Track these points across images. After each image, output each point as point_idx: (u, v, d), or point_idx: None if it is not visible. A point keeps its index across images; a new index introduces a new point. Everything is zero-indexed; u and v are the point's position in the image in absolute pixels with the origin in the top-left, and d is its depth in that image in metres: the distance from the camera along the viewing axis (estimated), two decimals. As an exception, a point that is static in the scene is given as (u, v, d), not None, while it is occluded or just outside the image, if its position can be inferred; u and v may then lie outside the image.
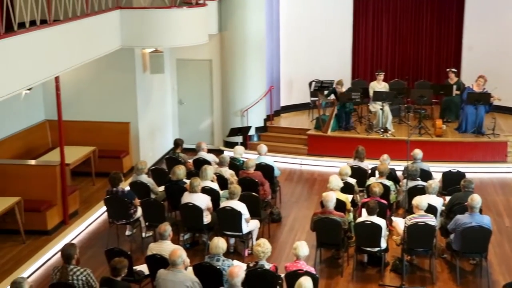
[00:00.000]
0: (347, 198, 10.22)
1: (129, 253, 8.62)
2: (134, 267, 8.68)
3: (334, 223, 9.38)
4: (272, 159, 12.50)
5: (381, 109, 14.64)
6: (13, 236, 10.40)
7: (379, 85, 15.18)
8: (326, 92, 15.17)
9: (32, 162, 11.58)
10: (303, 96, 16.55)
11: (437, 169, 12.18)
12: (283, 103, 16.74)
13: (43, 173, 10.94)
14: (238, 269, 7.36)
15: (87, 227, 11.41)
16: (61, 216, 11.01)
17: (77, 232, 11.09)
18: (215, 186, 10.75)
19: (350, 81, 16.64)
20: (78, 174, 13.00)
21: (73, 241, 10.17)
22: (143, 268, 8.71)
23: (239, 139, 14.44)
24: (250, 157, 11.88)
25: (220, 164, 11.61)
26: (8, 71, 8.65)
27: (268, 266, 7.99)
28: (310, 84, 16.19)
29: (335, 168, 12.91)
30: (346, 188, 10.51)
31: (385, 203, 10.05)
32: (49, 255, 10.19)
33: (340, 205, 9.82)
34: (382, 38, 17.33)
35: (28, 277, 9.35)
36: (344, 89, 14.92)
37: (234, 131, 14.31)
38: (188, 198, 10.02)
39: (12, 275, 9.10)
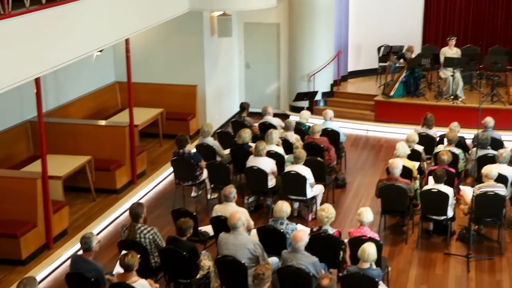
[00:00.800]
0: (414, 165, 10.06)
1: (194, 214, 8.77)
2: (199, 228, 8.83)
3: (399, 190, 9.27)
4: (338, 125, 12.40)
5: (451, 75, 14.25)
6: (84, 194, 10.73)
7: (450, 50, 14.74)
8: (395, 57, 14.90)
9: (103, 122, 11.86)
10: (371, 62, 16.25)
11: (509, 138, 11.81)
12: (350, 68, 16.50)
13: (112, 134, 11.21)
14: (302, 234, 7.38)
15: (154, 187, 11.65)
16: (129, 176, 11.28)
17: (144, 192, 11.34)
18: (280, 150, 10.76)
19: (420, 47, 16.22)
20: (146, 135, 13.25)
21: (140, 201, 10.40)
22: (208, 229, 8.85)
23: (305, 104, 14.37)
24: (316, 122, 11.81)
25: (286, 128, 11.60)
26: (81, 33, 8.85)
27: (331, 231, 7.99)
28: (378, 49, 15.88)
29: (402, 135, 12.70)
30: (413, 155, 10.34)
31: (453, 172, 9.85)
32: (117, 213, 10.48)
33: (406, 172, 9.68)
34: (455, 1, 16.73)
35: (98, 233, 9.65)
36: (413, 56, 14.57)
37: (301, 96, 14.24)
38: (253, 161, 10.08)
39: (83, 230, 9.41)
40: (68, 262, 7.71)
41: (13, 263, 8.61)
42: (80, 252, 7.47)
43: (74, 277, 7.15)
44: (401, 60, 14.70)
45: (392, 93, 14.48)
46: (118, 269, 7.18)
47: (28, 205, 8.84)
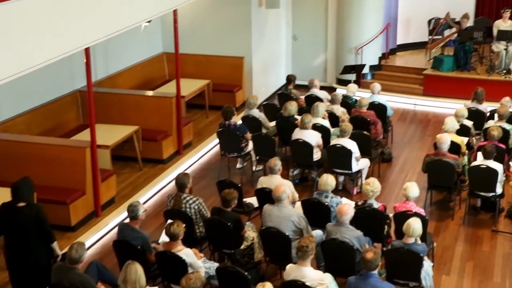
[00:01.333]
0: (463, 140, 9.89)
1: (239, 185, 8.82)
2: (244, 199, 8.88)
3: (447, 166, 9.14)
4: (385, 99, 12.23)
5: (505, 49, 13.88)
6: (131, 163, 10.89)
7: (504, 23, 14.32)
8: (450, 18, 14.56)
9: (150, 93, 11.97)
10: (421, 35, 15.93)
11: None
12: (399, 41, 16.21)
13: (160, 104, 11.31)
14: (347, 207, 7.36)
15: (200, 158, 11.74)
16: (175, 146, 11.40)
17: (190, 163, 11.45)
18: (326, 123, 10.70)
19: (473, 19, 15.82)
20: (193, 106, 13.33)
21: (186, 171, 10.49)
22: (253, 200, 8.90)
23: (352, 77, 14.22)
24: (363, 96, 11.69)
25: (332, 101, 11.52)
26: (130, 3, 8.90)
27: (376, 205, 7.95)
28: (429, 22, 15.51)
29: (451, 109, 12.46)
30: (462, 131, 10.16)
31: (503, 148, 9.64)
32: (163, 183, 10.62)
33: (454, 148, 9.52)
34: (510, -28, 16.22)
35: (144, 202, 9.80)
36: (469, 24, 14.20)
37: (348, 69, 14.09)
38: (298, 134, 10.05)
39: (130, 199, 9.56)
40: (115, 229, 7.86)
41: (63, 229, 8.80)
42: (127, 220, 7.61)
43: (121, 245, 7.29)
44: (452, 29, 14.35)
45: (434, 50, 14.14)
46: (163, 238, 7.30)
47: (77, 173, 9.03)
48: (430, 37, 15.38)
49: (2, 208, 7.10)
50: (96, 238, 8.98)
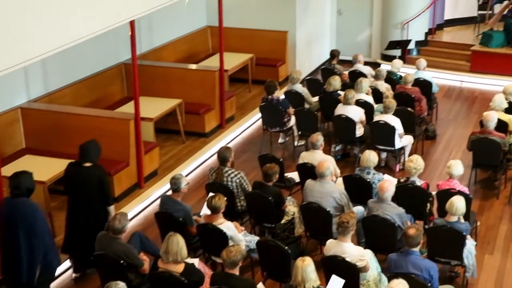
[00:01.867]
0: (510, 119, 9.67)
1: (281, 160, 8.82)
2: (285, 174, 8.89)
3: (493, 144, 8.96)
4: (431, 75, 12.05)
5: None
6: (174, 136, 10.98)
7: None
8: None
9: (193, 66, 12.00)
10: (470, 10, 15.57)
11: None
12: (447, 16, 15.86)
13: (203, 78, 11.34)
14: (389, 184, 7.31)
15: (242, 132, 11.77)
16: (218, 120, 11.44)
17: (232, 136, 11.49)
18: (369, 99, 10.60)
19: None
20: (236, 80, 13.33)
21: (228, 145, 10.53)
22: (294, 175, 8.90)
23: (397, 52, 14.00)
24: (408, 72, 11.51)
25: (376, 77, 11.38)
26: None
27: (419, 182, 7.87)
28: (478, -4, 15.19)
29: (499, 87, 12.18)
30: (510, 109, 9.94)
31: (552, 127, 9.42)
32: (206, 156, 10.69)
33: (501, 126, 9.32)
34: None
35: (186, 175, 9.89)
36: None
37: (393, 44, 13.88)
38: (341, 110, 9.98)
39: (172, 172, 9.67)
40: (158, 201, 7.96)
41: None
42: (169, 193, 7.70)
43: (163, 216, 7.39)
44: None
45: (493, 26, 13.79)
46: (205, 211, 7.37)
47: (121, 145, 9.15)
48: (480, 12, 15.03)
49: (69, 167, 7.42)
50: (139, 209, 9.12)
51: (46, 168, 8.07)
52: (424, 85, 11.25)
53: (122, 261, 6.45)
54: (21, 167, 8.44)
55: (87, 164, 7.28)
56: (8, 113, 9.26)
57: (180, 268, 6.20)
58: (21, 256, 6.52)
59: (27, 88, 9.69)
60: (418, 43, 14.94)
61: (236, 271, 6.08)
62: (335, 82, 10.75)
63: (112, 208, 7.44)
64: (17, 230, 6.49)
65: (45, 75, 9.93)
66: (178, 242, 6.20)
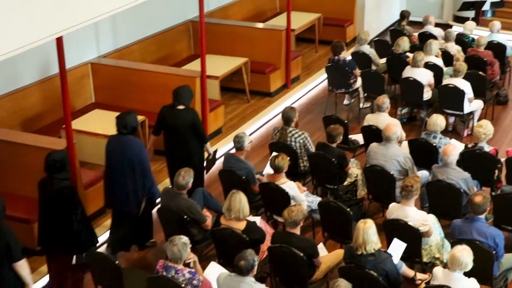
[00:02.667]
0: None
1: (345, 121, 8.76)
2: (350, 136, 8.83)
3: None
4: (505, 38, 11.61)
5: None
6: (239, 95, 11.02)
7: None
8: None
9: (260, 25, 11.94)
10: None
11: None
12: (525, -24, 15.22)
13: (269, 37, 11.27)
14: (452, 148, 7.16)
15: (307, 92, 11.70)
16: (283, 79, 11.39)
17: (297, 97, 11.44)
18: (439, 62, 10.33)
19: None
20: (302, 40, 13.21)
21: (293, 105, 10.49)
22: (358, 137, 8.83)
23: (471, 14, 13.53)
24: (480, 34, 11.13)
25: (446, 39, 11.07)
26: None
27: (488, 148, 7.68)
28: (560, -44, 14.46)
29: None
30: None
31: None
32: (270, 116, 10.70)
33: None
34: None
35: (250, 134, 9.93)
36: None
37: (467, 5, 13.43)
38: (409, 72, 9.77)
39: (236, 130, 9.73)
40: (222, 159, 8.05)
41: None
42: (233, 151, 7.76)
43: (227, 174, 7.48)
44: None
45: None
46: (268, 170, 7.41)
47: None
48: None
49: (163, 110, 7.81)
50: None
51: (113, 123, 8.23)
52: (497, 48, 10.88)
53: (185, 216, 6.59)
54: (90, 121, 8.71)
55: (180, 107, 7.67)
56: (79, 68, 9.48)
57: (242, 225, 6.29)
58: (127, 189, 6.98)
59: (97, 44, 9.87)
60: (493, 4, 14.39)
61: (297, 231, 6.12)
62: (404, 43, 10.52)
63: (208, 145, 7.99)
64: (123, 165, 6.94)
65: (114, 31, 10.08)
66: (241, 200, 6.27)
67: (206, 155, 8.01)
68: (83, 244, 6.34)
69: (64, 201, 6.24)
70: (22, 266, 5.75)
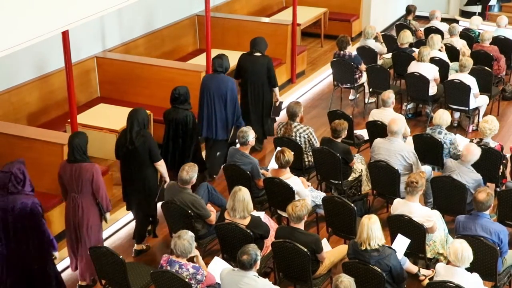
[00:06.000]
0: None
1: (350, 116, 8.75)
2: (355, 131, 8.82)
3: None
4: (512, 33, 11.58)
5: None
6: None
7: None
8: None
9: (266, 19, 11.92)
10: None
11: None
12: (534, -30, 15.13)
13: (275, 32, 11.25)
14: (477, 149, 7.08)
15: (312, 87, 11.69)
16: (288, 74, 11.38)
17: (302, 92, 11.42)
18: (444, 56, 10.30)
19: None
20: (308, 35, 13.20)
21: (298, 100, 10.49)
22: (363, 132, 8.82)
23: (477, 9, 13.48)
24: (487, 29, 11.09)
25: (451, 33, 11.03)
26: None
27: (493, 144, 7.66)
28: None
29: None
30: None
31: None
32: (275, 111, 10.71)
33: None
34: None
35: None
36: None
37: (473, 0, 13.37)
38: (415, 67, 9.75)
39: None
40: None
41: None
42: (238, 146, 7.77)
43: (231, 169, 7.47)
44: None
45: None
46: (272, 165, 7.41)
47: (192, 96, 9.22)
48: None
49: (242, 56, 9.06)
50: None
51: (118, 118, 8.26)
52: (504, 43, 10.84)
53: (189, 211, 6.60)
54: (95, 116, 8.72)
55: (257, 54, 8.95)
56: (84, 62, 9.50)
57: (246, 220, 6.30)
58: (217, 119, 8.26)
59: (103, 38, 9.88)
60: (500, -1, 14.35)
61: (301, 226, 6.12)
62: (405, 35, 10.51)
63: (277, 90, 9.18)
64: (215, 98, 8.24)
65: (120, 25, 10.09)
66: (244, 198, 6.25)
67: (275, 99, 9.21)
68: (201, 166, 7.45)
69: (187, 127, 7.61)
70: (161, 165, 7.05)
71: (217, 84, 8.24)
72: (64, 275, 6.81)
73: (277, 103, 9.18)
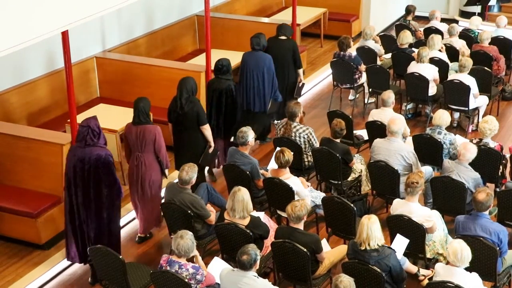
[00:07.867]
0: None
1: (350, 117, 8.75)
2: (354, 131, 8.82)
3: None
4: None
5: None
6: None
7: None
8: None
9: (266, 20, 11.92)
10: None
11: None
12: (532, -29, 15.13)
13: (274, 32, 11.22)
14: (474, 147, 7.09)
15: (312, 88, 11.68)
16: (288, 74, 11.39)
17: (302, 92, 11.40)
18: (444, 56, 10.31)
19: None
20: (307, 35, 13.19)
21: (297, 100, 10.49)
22: (363, 133, 8.82)
23: (477, 9, 13.49)
24: (486, 29, 11.10)
25: (450, 33, 11.04)
26: None
27: (493, 144, 7.66)
28: None
29: None
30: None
31: None
32: (275, 111, 10.71)
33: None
34: None
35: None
36: None
37: (473, 0, 13.37)
38: (415, 67, 9.75)
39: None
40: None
41: None
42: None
43: (231, 169, 7.47)
44: None
45: None
46: (272, 165, 7.41)
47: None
48: None
49: (269, 39, 9.42)
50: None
51: (118, 118, 8.26)
52: (503, 43, 10.85)
53: (189, 211, 6.60)
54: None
55: (282, 37, 9.57)
56: (84, 62, 9.50)
57: (246, 221, 6.29)
58: (255, 91, 8.96)
59: (103, 38, 9.88)
60: (499, -1, 14.36)
61: (301, 226, 6.12)
62: (404, 35, 10.52)
63: (301, 71, 9.78)
64: (253, 73, 8.95)
65: (120, 25, 10.09)
66: (243, 199, 6.25)
67: (298, 79, 9.76)
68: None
69: (230, 96, 8.25)
70: (207, 129, 7.67)
71: (255, 61, 8.97)
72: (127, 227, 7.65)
73: (300, 84, 9.75)
